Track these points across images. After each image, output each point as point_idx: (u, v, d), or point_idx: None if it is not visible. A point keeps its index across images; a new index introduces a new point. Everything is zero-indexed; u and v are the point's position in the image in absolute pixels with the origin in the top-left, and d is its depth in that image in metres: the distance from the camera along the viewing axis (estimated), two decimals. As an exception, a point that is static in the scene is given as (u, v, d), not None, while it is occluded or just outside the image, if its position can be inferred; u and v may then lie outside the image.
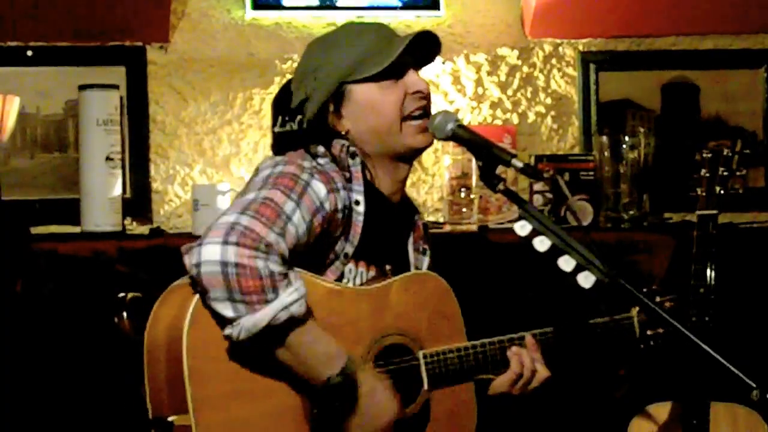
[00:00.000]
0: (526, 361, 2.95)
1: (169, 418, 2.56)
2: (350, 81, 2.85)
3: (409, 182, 4.46)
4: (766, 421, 3.65)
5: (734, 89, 4.76)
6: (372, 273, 2.87)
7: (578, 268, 2.56)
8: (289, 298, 2.53)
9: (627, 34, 4.71)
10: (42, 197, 4.31)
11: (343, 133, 2.86)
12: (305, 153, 2.83)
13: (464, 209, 4.32)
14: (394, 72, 2.86)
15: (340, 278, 2.81)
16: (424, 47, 2.91)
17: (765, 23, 4.75)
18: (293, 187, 2.67)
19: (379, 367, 2.78)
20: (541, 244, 2.59)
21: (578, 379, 3.99)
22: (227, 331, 2.52)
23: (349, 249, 2.81)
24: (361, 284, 2.85)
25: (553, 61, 4.69)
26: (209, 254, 2.48)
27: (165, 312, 2.65)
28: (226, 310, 2.50)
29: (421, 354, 2.84)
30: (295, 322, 2.56)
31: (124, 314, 2.70)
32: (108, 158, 4.09)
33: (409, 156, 2.93)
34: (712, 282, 3.57)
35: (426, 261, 3.09)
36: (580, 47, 4.70)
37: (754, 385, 2.41)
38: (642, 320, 3.16)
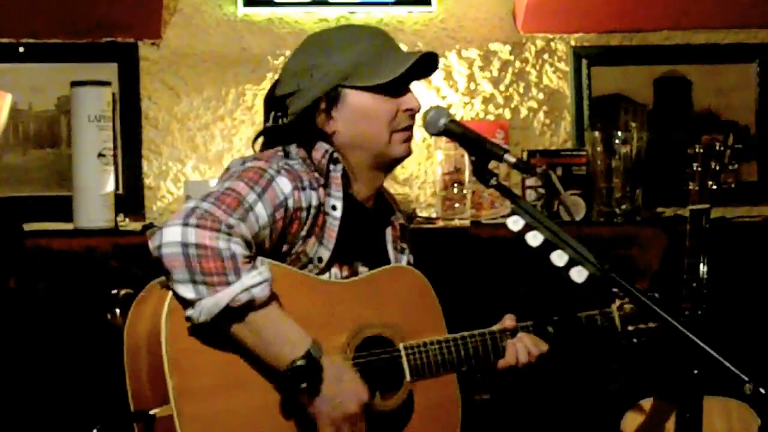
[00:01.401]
0: (521, 352, 3.00)
1: (151, 411, 2.56)
2: (348, 86, 2.86)
3: (401, 178, 4.50)
4: (759, 414, 3.66)
5: (727, 83, 4.76)
6: (345, 273, 2.88)
7: (571, 263, 2.56)
8: (251, 280, 2.54)
9: (619, 28, 4.71)
10: (34, 194, 4.30)
11: (329, 133, 2.86)
12: (277, 153, 2.85)
13: (457, 204, 4.32)
14: (391, 85, 2.87)
15: None
16: (423, 63, 2.92)
17: (757, 17, 4.75)
18: (258, 180, 2.70)
19: (360, 358, 2.79)
20: (534, 238, 2.60)
21: (563, 373, 4.00)
22: (188, 312, 2.54)
23: (324, 253, 2.81)
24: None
25: (546, 56, 4.69)
26: (170, 236, 2.52)
27: (143, 309, 2.67)
28: (188, 291, 2.53)
29: (402, 345, 2.86)
30: (257, 305, 2.57)
31: (117, 310, 2.71)
32: (100, 154, 4.09)
33: (390, 165, 2.96)
34: (705, 276, 3.58)
35: (404, 259, 3.09)
36: (573, 42, 4.70)
37: (747, 379, 2.41)
38: (623, 315, 3.18)
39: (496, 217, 4.35)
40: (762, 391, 2.41)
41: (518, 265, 3.88)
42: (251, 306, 2.57)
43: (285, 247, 2.77)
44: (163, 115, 4.43)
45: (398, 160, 2.96)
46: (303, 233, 2.78)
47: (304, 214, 2.76)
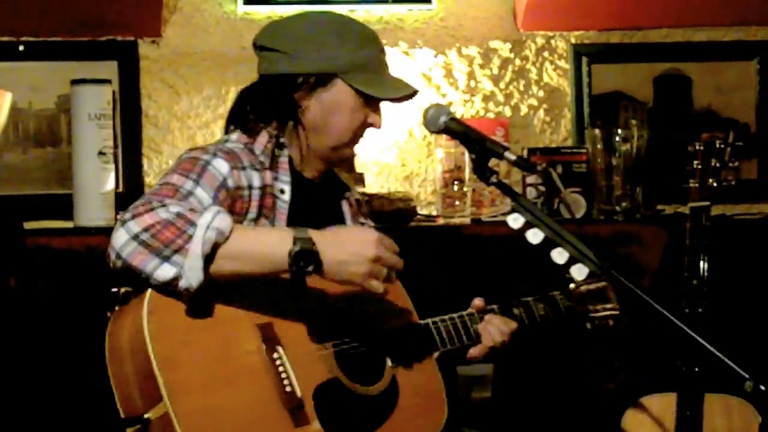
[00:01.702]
0: (495, 333, 3.06)
1: (145, 415, 2.56)
2: (344, 79, 2.92)
3: (402, 176, 4.50)
4: (760, 411, 3.65)
5: (727, 81, 4.76)
6: None
7: (571, 261, 2.57)
8: (205, 219, 2.55)
9: (619, 26, 4.71)
10: (35, 192, 4.30)
11: (301, 108, 2.92)
12: (216, 142, 2.92)
13: (457, 202, 4.33)
14: (375, 99, 2.96)
15: None
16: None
17: (757, 15, 4.75)
18: (191, 168, 2.74)
19: (339, 347, 2.82)
20: (534, 236, 2.60)
21: (560, 370, 4.01)
22: (181, 285, 2.54)
23: None
24: None
25: (546, 53, 4.69)
26: (119, 240, 2.55)
27: (121, 320, 2.67)
28: (167, 270, 2.53)
29: (379, 333, 2.90)
30: (227, 234, 2.57)
31: (117, 309, 2.70)
32: (101, 153, 4.08)
33: (333, 162, 3.04)
34: (705, 273, 3.58)
35: None
36: (573, 40, 4.70)
37: (748, 376, 2.41)
38: (579, 294, 3.26)
39: (496, 215, 4.35)
40: (762, 388, 2.41)
41: (519, 263, 3.88)
42: (222, 238, 2.56)
43: None
44: (163, 114, 4.43)
45: (342, 162, 3.07)
46: (251, 215, 2.82)
47: (245, 193, 2.80)
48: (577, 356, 4.13)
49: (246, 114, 2.98)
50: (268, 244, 2.62)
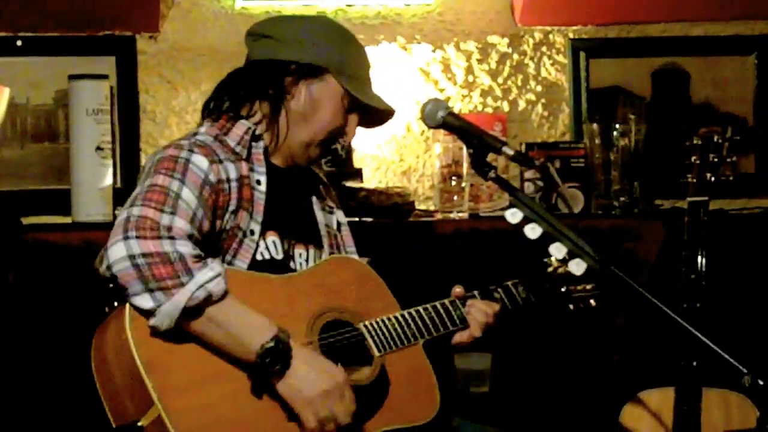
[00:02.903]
0: (479, 316, 3.09)
1: (139, 423, 2.57)
2: (335, 77, 2.97)
3: (400, 171, 4.50)
4: (758, 406, 3.65)
5: (724, 76, 4.76)
6: (277, 240, 2.93)
7: (570, 255, 2.57)
8: (204, 277, 2.57)
9: (617, 21, 4.71)
10: (32, 187, 4.30)
11: (288, 94, 2.95)
12: (187, 136, 2.92)
13: (455, 197, 4.32)
14: (358, 108, 3.00)
15: (254, 254, 2.88)
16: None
17: (755, 9, 4.75)
18: (174, 167, 2.74)
19: (324, 341, 2.83)
20: (533, 231, 2.60)
21: (559, 364, 4.02)
22: (151, 322, 2.57)
23: (255, 226, 2.88)
24: (282, 260, 2.94)
25: (544, 48, 4.69)
26: (116, 253, 2.55)
27: (104, 334, 2.68)
28: (146, 302, 2.55)
29: (361, 324, 2.91)
30: (214, 300, 2.59)
31: (116, 303, 2.70)
32: (98, 148, 4.08)
33: (299, 159, 3.04)
34: (703, 268, 3.58)
35: (334, 219, 3.18)
36: (571, 34, 4.70)
37: (746, 371, 2.42)
38: (558, 276, 3.28)
39: (494, 210, 4.35)
40: (760, 382, 2.41)
41: (517, 258, 3.88)
42: (209, 302, 2.59)
43: (218, 224, 2.81)
44: (160, 109, 4.43)
45: (309, 161, 3.06)
46: (231, 207, 2.83)
47: (226, 186, 2.82)
48: (573, 342, 4.13)
49: (225, 101, 3.01)
50: (248, 327, 2.64)
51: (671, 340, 3.13)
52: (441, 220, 4.28)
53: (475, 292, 3.16)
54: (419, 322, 3.01)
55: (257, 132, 2.94)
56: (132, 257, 2.53)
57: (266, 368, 2.63)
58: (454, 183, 4.32)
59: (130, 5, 4.31)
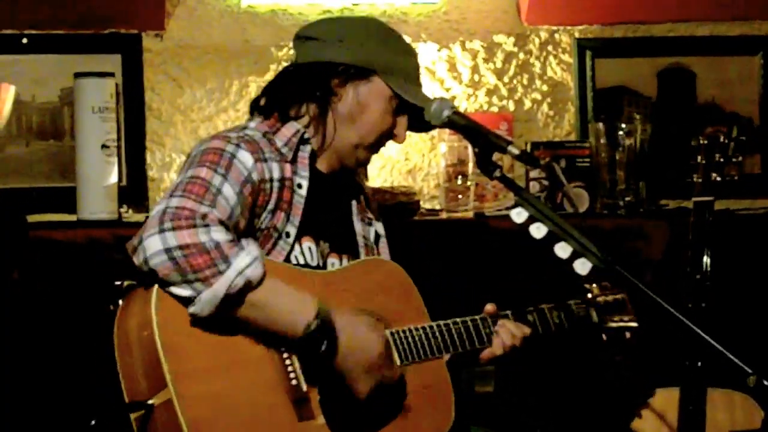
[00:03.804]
0: (506, 337, 3.05)
1: (149, 401, 2.58)
2: (383, 78, 2.95)
3: (405, 170, 4.50)
4: (763, 406, 3.65)
5: (730, 75, 4.76)
6: (313, 246, 2.92)
7: (575, 255, 2.56)
8: (242, 263, 2.57)
9: (623, 20, 4.71)
10: (38, 185, 4.30)
11: (336, 95, 2.94)
12: (235, 128, 2.92)
13: (461, 196, 4.32)
14: (406, 110, 2.97)
15: (288, 257, 2.87)
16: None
17: (761, 9, 4.74)
18: (218, 161, 2.74)
19: None
20: (538, 230, 2.60)
21: (564, 368, 4.01)
22: (191, 309, 2.57)
23: (291, 229, 2.87)
24: (316, 266, 2.93)
25: (549, 47, 4.69)
26: (152, 247, 2.55)
27: (130, 307, 2.69)
28: (185, 291, 2.56)
29: (388, 332, 2.88)
30: (254, 285, 2.60)
31: (120, 302, 2.71)
32: (104, 146, 4.08)
33: (347, 161, 3.03)
34: (708, 268, 3.58)
35: (373, 231, 3.16)
36: (576, 34, 4.69)
37: (751, 371, 2.41)
38: (598, 305, 3.25)
39: (500, 209, 4.35)
40: (765, 383, 2.41)
41: (522, 257, 3.88)
42: (249, 287, 2.59)
43: (255, 222, 2.81)
44: (166, 107, 4.43)
45: (358, 163, 3.04)
46: (270, 206, 2.83)
47: (268, 186, 2.82)
48: (585, 357, 4.12)
49: (274, 101, 2.98)
50: (290, 307, 2.66)
51: (676, 340, 3.14)
52: (446, 219, 4.28)
53: (508, 312, 3.12)
54: (446, 337, 2.98)
55: (306, 135, 2.93)
56: (168, 250, 2.53)
57: (313, 348, 2.65)
58: (459, 182, 4.32)
59: (136, 3, 4.32)
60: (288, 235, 2.86)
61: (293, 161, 2.89)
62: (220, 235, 2.57)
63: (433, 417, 2.94)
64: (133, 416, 2.62)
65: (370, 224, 3.16)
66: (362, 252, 3.08)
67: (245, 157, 2.77)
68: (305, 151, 2.92)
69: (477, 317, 3.06)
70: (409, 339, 2.91)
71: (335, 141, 2.96)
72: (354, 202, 3.13)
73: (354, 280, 2.92)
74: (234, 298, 2.58)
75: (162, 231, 2.55)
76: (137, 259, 2.58)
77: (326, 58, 2.95)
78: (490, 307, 3.10)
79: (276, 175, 2.84)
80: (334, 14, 4.43)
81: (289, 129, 2.92)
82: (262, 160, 2.81)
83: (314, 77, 2.94)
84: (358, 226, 3.11)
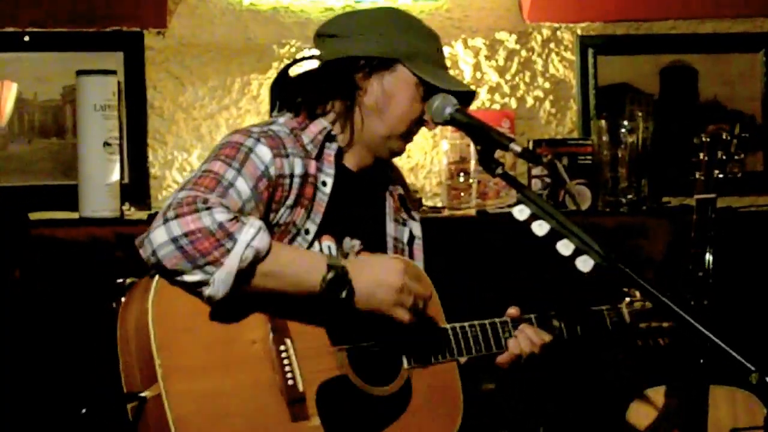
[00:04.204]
0: (524, 344, 2.99)
1: (142, 393, 2.58)
2: (407, 65, 2.89)
3: (407, 167, 4.49)
4: (765, 404, 3.65)
5: (733, 73, 4.76)
6: (332, 245, 2.89)
7: (577, 252, 2.56)
8: (246, 235, 2.57)
9: (625, 17, 4.71)
10: (40, 183, 4.30)
11: (360, 89, 2.89)
12: (262, 123, 2.90)
13: (463, 194, 4.32)
14: (431, 92, 2.90)
15: None
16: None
17: (764, 7, 4.74)
18: (234, 155, 2.73)
19: (352, 345, 2.80)
20: (540, 228, 2.60)
21: (567, 363, 4.00)
22: (207, 292, 2.57)
23: (311, 226, 2.85)
24: None
25: (552, 45, 4.69)
26: (158, 238, 2.55)
27: (134, 295, 2.69)
28: (197, 276, 2.55)
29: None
30: (264, 254, 2.60)
31: (123, 300, 2.71)
32: (106, 144, 4.09)
33: (380, 153, 2.99)
34: (711, 266, 3.58)
35: (407, 232, 3.11)
36: (579, 31, 4.69)
37: (753, 368, 2.41)
38: (633, 312, 3.18)
39: (502, 207, 4.35)
40: (768, 380, 2.41)
41: (524, 255, 3.88)
42: (258, 258, 2.59)
43: (272, 216, 2.79)
44: (168, 105, 4.43)
45: (392, 154, 3.00)
46: (289, 202, 2.81)
47: (287, 181, 2.79)
48: (589, 356, 4.11)
49: (299, 98, 2.95)
50: (302, 267, 2.66)
51: (679, 337, 3.13)
52: (448, 216, 4.28)
53: (532, 317, 3.06)
54: (460, 340, 2.94)
55: (333, 132, 2.90)
56: (174, 240, 2.53)
57: (335, 298, 2.66)
58: (461, 180, 4.32)
59: (138, 1, 4.32)
60: (307, 232, 2.83)
61: (318, 158, 2.86)
62: (221, 215, 2.56)
63: (436, 422, 2.89)
64: (128, 406, 2.63)
65: (404, 224, 3.11)
66: (390, 254, 3.02)
67: (263, 152, 2.75)
68: (331, 149, 2.89)
69: (497, 320, 3.01)
70: (420, 343, 2.88)
71: (365, 135, 2.92)
72: (389, 202, 3.08)
73: None
74: (246, 271, 2.58)
75: (166, 221, 2.55)
76: (144, 253, 2.58)
77: (347, 53, 2.90)
78: (513, 311, 3.05)
79: (298, 171, 2.81)
80: (336, 12, 4.43)
81: (317, 126, 2.88)
82: (283, 155, 2.78)
83: (337, 74, 2.90)
84: (390, 227, 3.06)
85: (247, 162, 2.72)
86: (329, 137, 2.89)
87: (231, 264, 2.54)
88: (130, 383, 2.64)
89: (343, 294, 2.66)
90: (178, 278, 2.57)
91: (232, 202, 2.65)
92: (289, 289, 2.65)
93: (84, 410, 2.67)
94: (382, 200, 3.07)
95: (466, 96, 2.96)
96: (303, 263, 2.67)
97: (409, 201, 3.16)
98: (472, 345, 2.96)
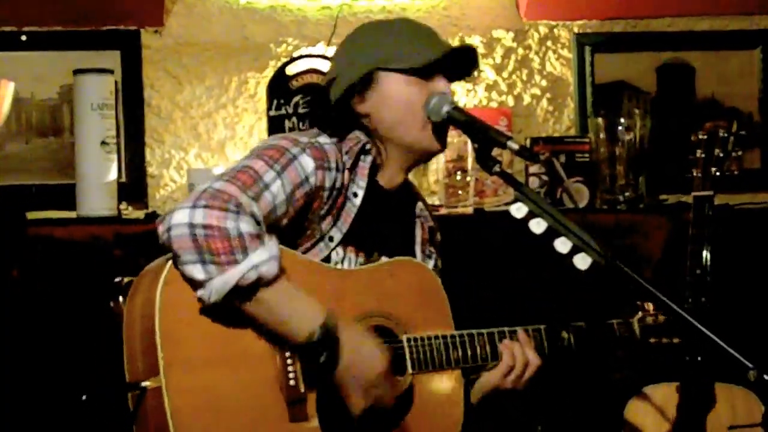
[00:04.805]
0: (517, 353, 2.93)
1: (143, 383, 2.58)
2: (383, 68, 2.86)
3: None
4: (763, 401, 3.66)
5: (730, 70, 4.76)
6: (361, 259, 2.88)
7: (574, 250, 2.56)
8: (258, 258, 2.54)
9: (622, 15, 4.71)
10: (37, 182, 4.30)
11: (363, 115, 2.88)
12: (311, 132, 2.87)
13: (460, 192, 4.32)
14: (424, 72, 2.86)
15: (326, 261, 2.83)
16: (462, 61, 2.92)
17: (760, 4, 4.74)
18: (278, 158, 2.72)
19: None
20: (537, 226, 2.60)
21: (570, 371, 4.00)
22: (199, 293, 2.55)
23: (336, 234, 2.83)
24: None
25: (549, 43, 4.69)
26: (178, 218, 2.53)
27: (143, 281, 2.68)
28: (197, 272, 2.53)
29: (404, 338, 2.84)
30: (266, 282, 2.57)
31: (121, 298, 2.71)
32: (103, 143, 4.09)
33: (420, 157, 2.97)
34: (708, 263, 3.58)
35: (431, 264, 3.07)
36: (576, 29, 4.69)
37: (751, 366, 2.41)
38: (644, 326, 3.16)
39: (499, 205, 4.35)
40: (766, 377, 2.41)
41: (522, 253, 3.88)
42: (260, 283, 2.57)
43: (304, 223, 2.78)
44: (165, 104, 4.43)
45: (431, 153, 2.97)
46: (322, 212, 2.80)
47: (326, 193, 2.79)
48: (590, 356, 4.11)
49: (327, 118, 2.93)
50: (297, 312, 2.63)
51: (677, 335, 3.13)
52: (446, 215, 4.28)
53: (542, 328, 3.01)
54: (467, 348, 2.91)
55: (367, 146, 2.87)
56: (192, 226, 2.52)
57: (313, 357, 2.61)
58: (459, 178, 4.32)
59: (135, 0, 4.31)
60: (331, 239, 2.82)
61: (352, 169, 2.85)
62: (246, 225, 2.55)
63: (437, 427, 2.88)
64: (129, 394, 2.62)
65: (429, 257, 3.08)
66: None
67: (306, 162, 2.74)
68: (366, 162, 2.87)
69: (506, 330, 2.97)
70: (425, 347, 2.86)
71: (397, 146, 2.90)
72: (418, 228, 3.06)
73: (378, 281, 2.86)
74: (243, 291, 2.56)
75: (194, 206, 2.53)
76: (161, 227, 2.56)
77: (339, 93, 2.89)
78: (523, 338, 2.98)
79: (337, 184, 2.80)
80: (333, 11, 4.44)
81: (353, 139, 2.87)
82: (326, 168, 2.77)
83: (340, 118, 2.88)
84: (418, 255, 3.03)
85: (289, 167, 2.71)
86: (364, 150, 2.87)
87: (231, 276, 2.53)
88: (132, 369, 2.63)
89: (322, 358, 2.61)
90: (179, 266, 2.56)
91: (264, 203, 2.64)
92: (274, 327, 2.62)
93: (84, 397, 2.66)
94: (411, 226, 3.05)
95: (466, 54, 2.93)
96: (300, 309, 2.64)
97: (435, 237, 3.13)
98: (478, 354, 2.92)
